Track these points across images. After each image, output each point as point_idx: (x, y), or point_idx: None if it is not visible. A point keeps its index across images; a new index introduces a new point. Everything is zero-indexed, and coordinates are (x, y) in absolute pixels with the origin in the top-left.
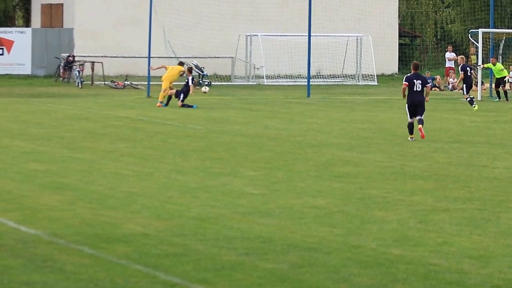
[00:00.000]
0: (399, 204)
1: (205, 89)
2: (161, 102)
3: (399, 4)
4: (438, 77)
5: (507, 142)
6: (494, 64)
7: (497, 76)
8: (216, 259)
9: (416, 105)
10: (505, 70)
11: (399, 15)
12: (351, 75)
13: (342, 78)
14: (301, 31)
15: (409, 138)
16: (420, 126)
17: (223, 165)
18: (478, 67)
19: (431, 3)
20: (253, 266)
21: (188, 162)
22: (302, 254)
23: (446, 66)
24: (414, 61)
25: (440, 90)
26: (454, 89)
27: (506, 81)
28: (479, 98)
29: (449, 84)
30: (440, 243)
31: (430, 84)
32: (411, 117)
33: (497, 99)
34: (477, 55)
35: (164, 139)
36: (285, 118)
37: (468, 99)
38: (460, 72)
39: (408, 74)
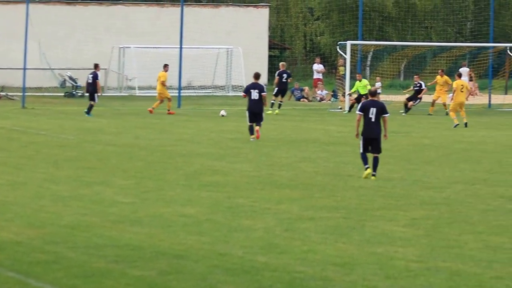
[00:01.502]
0: (265, 213)
1: (223, 112)
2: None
3: (269, 16)
4: (306, 88)
5: None
6: (359, 80)
7: (362, 92)
8: (86, 266)
9: (255, 113)
10: (369, 85)
11: (269, 27)
12: (221, 86)
13: (213, 89)
14: (173, 43)
15: (250, 139)
16: (257, 128)
17: (95, 174)
18: (348, 95)
19: (301, 15)
20: (122, 273)
21: (61, 171)
22: (170, 262)
23: (314, 77)
24: (255, 72)
25: (308, 101)
26: (322, 100)
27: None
28: (346, 109)
29: (317, 95)
30: (305, 251)
31: (265, 93)
32: (250, 122)
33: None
34: (345, 67)
35: (37, 149)
36: (156, 129)
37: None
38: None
39: (248, 84)
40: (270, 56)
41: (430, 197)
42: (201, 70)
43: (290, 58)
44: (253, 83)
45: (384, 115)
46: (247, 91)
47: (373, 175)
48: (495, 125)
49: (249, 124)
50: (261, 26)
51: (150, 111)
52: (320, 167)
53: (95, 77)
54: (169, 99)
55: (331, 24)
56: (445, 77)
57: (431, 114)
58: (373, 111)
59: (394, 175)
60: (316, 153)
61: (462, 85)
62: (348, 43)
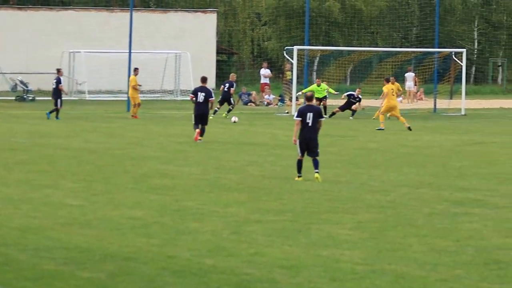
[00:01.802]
0: (213, 216)
1: (234, 118)
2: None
3: (217, 22)
4: (254, 93)
5: (320, 156)
6: (318, 85)
7: (320, 96)
8: (36, 268)
9: (201, 115)
10: (331, 89)
11: (217, 32)
12: (170, 91)
13: (161, 93)
14: (122, 47)
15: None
16: (198, 130)
17: (45, 178)
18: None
19: (248, 21)
20: (72, 275)
21: (12, 174)
22: (119, 264)
23: (262, 82)
24: (202, 75)
25: (256, 106)
26: (269, 105)
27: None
28: (293, 113)
29: (264, 99)
30: (252, 254)
31: (212, 98)
32: (196, 124)
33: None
34: (292, 72)
35: None
36: (106, 132)
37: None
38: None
39: (196, 87)
40: (218, 61)
41: (376, 200)
42: (150, 75)
43: (238, 63)
44: (201, 87)
45: (320, 119)
46: (195, 93)
47: (316, 172)
48: (440, 129)
49: (194, 125)
50: (209, 31)
51: (134, 117)
52: (267, 170)
53: (58, 81)
54: (138, 105)
55: (278, 29)
56: (397, 84)
57: (389, 118)
58: (310, 116)
59: (341, 179)
60: (263, 156)
61: (392, 89)
62: (295, 48)
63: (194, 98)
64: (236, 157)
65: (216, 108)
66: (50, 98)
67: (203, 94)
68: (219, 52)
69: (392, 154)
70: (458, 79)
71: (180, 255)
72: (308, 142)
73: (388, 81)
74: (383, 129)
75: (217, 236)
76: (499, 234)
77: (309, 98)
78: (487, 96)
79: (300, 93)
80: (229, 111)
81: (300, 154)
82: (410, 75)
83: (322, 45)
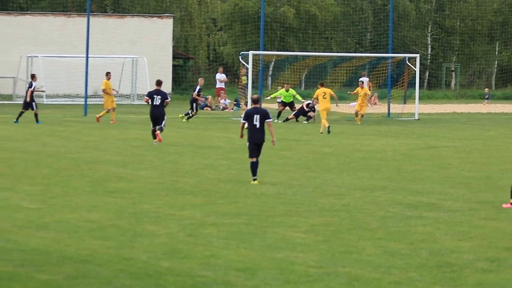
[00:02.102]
0: (169, 219)
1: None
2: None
3: (173, 27)
4: (210, 97)
5: (274, 160)
6: (287, 90)
7: (287, 101)
8: None
9: (156, 118)
10: (298, 96)
11: (173, 37)
12: (126, 95)
13: (118, 97)
14: (79, 52)
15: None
16: (158, 132)
17: (2, 181)
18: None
19: (204, 26)
20: (29, 277)
21: None
22: (76, 266)
23: (217, 86)
24: (157, 79)
25: (211, 110)
26: (225, 109)
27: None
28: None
29: (220, 104)
30: (208, 256)
31: (168, 99)
32: (153, 126)
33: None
34: (248, 76)
35: None
36: (63, 136)
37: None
38: None
39: (150, 90)
40: (174, 66)
41: (330, 204)
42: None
43: (194, 68)
44: (155, 90)
45: (267, 120)
46: (151, 96)
47: (254, 179)
48: (394, 133)
49: (152, 128)
50: (165, 36)
51: (97, 120)
52: (222, 174)
53: (29, 86)
54: (107, 110)
55: (233, 34)
56: (365, 88)
57: (358, 124)
58: (257, 118)
59: (295, 183)
60: (218, 160)
61: (324, 92)
62: (250, 53)
63: (149, 101)
64: (192, 160)
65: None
66: (8, 102)
67: (159, 97)
68: (175, 57)
69: (346, 158)
70: (411, 84)
71: (136, 257)
72: (259, 144)
73: (322, 85)
74: (322, 133)
75: (173, 238)
76: (452, 237)
77: (255, 101)
78: (440, 101)
79: (269, 97)
80: (188, 115)
81: (250, 156)
82: (364, 80)
83: (277, 50)
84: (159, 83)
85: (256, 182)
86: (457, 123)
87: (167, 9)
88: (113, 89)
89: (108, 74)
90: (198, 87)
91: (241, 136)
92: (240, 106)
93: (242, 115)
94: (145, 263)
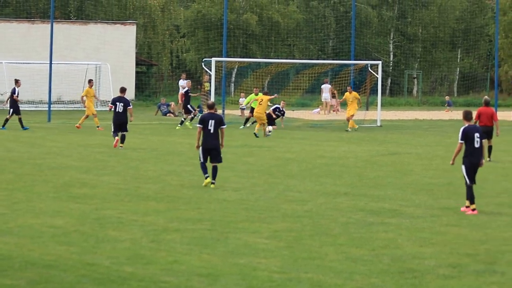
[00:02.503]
0: (132, 224)
1: (270, 128)
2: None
3: (136, 33)
4: (173, 103)
5: (236, 166)
6: (256, 94)
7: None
8: None
9: (119, 124)
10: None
11: (136, 44)
12: None
13: (81, 104)
14: (43, 58)
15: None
16: (117, 138)
17: None
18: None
19: (167, 33)
20: None
21: None
22: (39, 271)
23: (180, 92)
24: (121, 86)
25: (174, 116)
26: None
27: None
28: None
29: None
30: (171, 262)
31: (130, 107)
32: (115, 132)
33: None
34: (210, 83)
35: None
36: (27, 142)
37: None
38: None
39: (114, 97)
40: (137, 72)
41: (293, 210)
42: (71, 86)
43: (157, 74)
44: (119, 97)
45: (221, 127)
46: (114, 103)
47: (213, 183)
48: (356, 140)
49: (113, 133)
50: (128, 42)
51: (99, 129)
52: (185, 180)
53: (12, 92)
54: (87, 116)
55: (196, 41)
56: (354, 93)
57: (348, 130)
58: (211, 123)
59: (258, 189)
60: (181, 166)
61: (262, 99)
62: (213, 59)
63: (112, 108)
64: (155, 166)
65: (183, 118)
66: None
67: (122, 104)
68: (138, 63)
69: (308, 165)
70: (374, 91)
71: (99, 262)
72: (210, 149)
73: (266, 93)
74: (258, 136)
75: (136, 244)
76: (413, 243)
77: (210, 106)
78: (403, 107)
79: (244, 106)
80: (191, 119)
81: (202, 160)
82: (326, 87)
83: (240, 57)
84: (123, 90)
85: (209, 179)
86: (419, 129)
87: (130, 15)
88: (94, 96)
89: (90, 81)
90: (186, 89)
91: (197, 147)
92: (203, 112)
93: (198, 120)
94: (108, 269)
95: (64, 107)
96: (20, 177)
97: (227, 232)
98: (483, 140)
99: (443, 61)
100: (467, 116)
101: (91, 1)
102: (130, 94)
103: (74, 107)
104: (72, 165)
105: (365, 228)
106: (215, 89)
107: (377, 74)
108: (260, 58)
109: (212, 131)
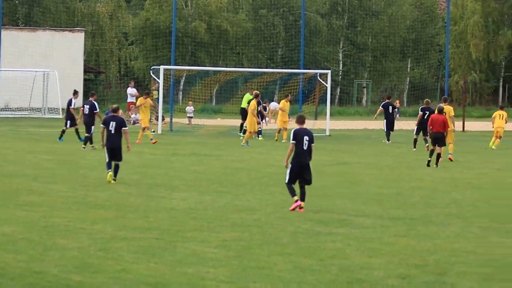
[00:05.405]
0: (80, 232)
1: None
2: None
3: (84, 41)
4: (121, 111)
5: (185, 175)
6: (251, 94)
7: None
8: None
9: (112, 149)
10: None
11: (84, 51)
12: (37, 109)
13: (29, 111)
14: None
15: None
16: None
17: None
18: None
19: (116, 40)
20: None
21: None
22: None
23: (128, 101)
24: (92, 91)
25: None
26: (136, 123)
27: None
28: (159, 132)
29: (130, 118)
30: (118, 270)
31: (127, 127)
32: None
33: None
34: (159, 91)
35: None
36: None
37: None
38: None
39: (106, 116)
40: (85, 80)
41: (241, 219)
42: (18, 93)
43: (105, 82)
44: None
45: (123, 128)
46: (105, 123)
47: (114, 179)
48: None
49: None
50: (76, 50)
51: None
52: (133, 188)
53: (69, 103)
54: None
55: (145, 49)
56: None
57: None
58: (112, 124)
59: (206, 198)
60: (129, 175)
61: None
62: (161, 67)
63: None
64: (103, 174)
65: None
66: None
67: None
68: (86, 71)
69: (258, 174)
70: (323, 100)
71: (47, 271)
72: (111, 147)
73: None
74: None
75: (84, 252)
76: (362, 254)
77: (114, 110)
78: (352, 117)
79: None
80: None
81: (107, 159)
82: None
83: (189, 65)
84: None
85: (113, 181)
86: (368, 139)
87: (78, 23)
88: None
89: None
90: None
91: (103, 145)
92: (151, 120)
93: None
94: (56, 277)
95: (12, 114)
96: None
97: (175, 241)
98: (436, 147)
99: (393, 71)
100: (299, 120)
101: (40, 8)
102: (78, 102)
103: (22, 114)
104: (20, 172)
105: (314, 237)
106: (163, 97)
107: (326, 83)
108: (209, 66)
109: (113, 131)
